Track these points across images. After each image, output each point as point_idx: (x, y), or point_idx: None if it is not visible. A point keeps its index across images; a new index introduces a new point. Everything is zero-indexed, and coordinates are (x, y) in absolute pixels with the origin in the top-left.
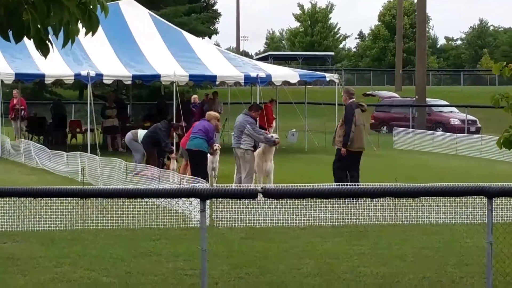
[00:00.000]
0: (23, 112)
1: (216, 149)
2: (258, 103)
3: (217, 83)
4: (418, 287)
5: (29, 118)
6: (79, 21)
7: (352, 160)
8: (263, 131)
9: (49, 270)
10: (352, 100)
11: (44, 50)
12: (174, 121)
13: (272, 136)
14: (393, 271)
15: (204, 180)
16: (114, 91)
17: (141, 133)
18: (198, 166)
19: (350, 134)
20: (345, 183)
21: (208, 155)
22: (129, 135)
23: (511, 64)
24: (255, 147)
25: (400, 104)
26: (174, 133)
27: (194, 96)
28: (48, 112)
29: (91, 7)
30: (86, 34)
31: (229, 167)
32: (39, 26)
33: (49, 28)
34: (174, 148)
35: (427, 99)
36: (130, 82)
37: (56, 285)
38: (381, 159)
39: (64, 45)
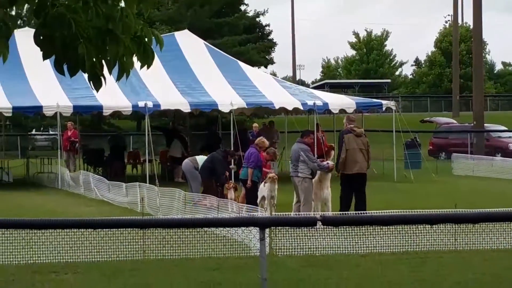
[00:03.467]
0: (77, 144)
1: (274, 177)
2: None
3: (275, 108)
4: None
5: (84, 150)
6: (134, 55)
7: (351, 185)
8: (316, 158)
9: None
10: (349, 126)
11: (96, 84)
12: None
13: (327, 163)
14: None
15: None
16: (172, 122)
17: (200, 159)
18: (249, 195)
19: (340, 158)
20: (347, 209)
21: (268, 183)
22: (188, 162)
23: None
24: (313, 175)
25: (458, 130)
26: (233, 162)
27: (255, 124)
28: (106, 144)
29: (146, 40)
30: (141, 67)
31: (288, 196)
32: (94, 59)
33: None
34: (232, 176)
35: (485, 124)
36: (188, 111)
37: None
38: (440, 185)
39: (119, 78)
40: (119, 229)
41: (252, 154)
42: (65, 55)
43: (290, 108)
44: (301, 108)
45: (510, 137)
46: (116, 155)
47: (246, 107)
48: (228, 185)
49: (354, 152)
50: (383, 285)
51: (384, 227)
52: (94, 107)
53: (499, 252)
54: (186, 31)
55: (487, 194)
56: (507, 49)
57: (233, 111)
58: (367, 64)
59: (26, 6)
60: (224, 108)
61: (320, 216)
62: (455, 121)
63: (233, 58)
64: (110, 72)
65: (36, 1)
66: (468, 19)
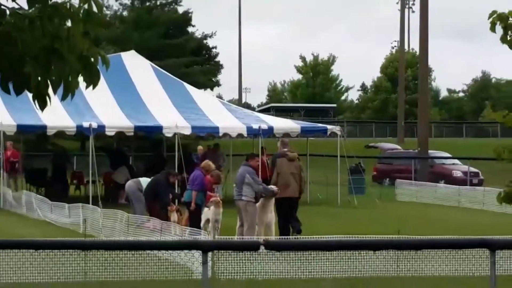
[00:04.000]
0: (16, 165)
1: (218, 201)
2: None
3: (220, 134)
4: None
5: (26, 170)
6: (80, 74)
7: (284, 209)
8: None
9: None
10: (282, 150)
11: (41, 103)
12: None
13: (271, 188)
14: None
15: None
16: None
17: (144, 181)
18: (192, 218)
19: (272, 182)
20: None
21: (212, 206)
22: (131, 184)
23: None
24: (256, 199)
25: (403, 156)
26: (176, 184)
27: (199, 147)
28: (49, 164)
29: (92, 60)
30: (87, 87)
31: (232, 219)
32: (39, 78)
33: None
34: (176, 199)
35: (429, 151)
36: (132, 134)
37: None
38: (384, 211)
39: (63, 98)
40: (60, 251)
41: (197, 177)
42: (11, 74)
43: (234, 134)
44: (246, 134)
45: (454, 164)
46: (59, 175)
47: (191, 131)
48: (171, 208)
49: (286, 176)
50: None
51: (327, 253)
52: (38, 127)
53: (441, 279)
54: (132, 51)
55: (430, 220)
56: (452, 76)
57: (178, 134)
58: (313, 88)
59: None
60: (169, 131)
61: (263, 240)
62: (399, 147)
63: (179, 80)
64: (55, 92)
65: None
66: (414, 45)
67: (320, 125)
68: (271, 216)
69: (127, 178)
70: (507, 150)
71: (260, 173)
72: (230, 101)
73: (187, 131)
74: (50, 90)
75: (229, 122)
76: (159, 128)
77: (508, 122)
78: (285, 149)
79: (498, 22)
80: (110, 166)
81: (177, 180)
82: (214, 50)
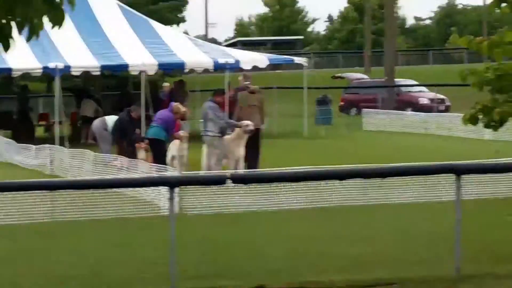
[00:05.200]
0: None
1: (182, 136)
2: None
3: (186, 70)
4: (388, 267)
5: None
6: (45, 15)
7: (248, 140)
8: (225, 116)
9: (17, 264)
10: (244, 83)
11: (5, 45)
12: (145, 111)
13: (236, 122)
14: (363, 252)
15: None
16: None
17: (110, 120)
18: (155, 155)
19: (235, 115)
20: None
21: (177, 142)
22: (97, 123)
23: (478, 38)
24: (223, 134)
25: (369, 86)
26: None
27: (166, 84)
28: (15, 106)
29: (57, 0)
30: (52, 27)
31: (198, 154)
32: (3, 20)
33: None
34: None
35: (396, 79)
36: (98, 73)
37: (26, 279)
38: (351, 140)
39: (28, 39)
40: (27, 192)
41: (161, 113)
42: None
43: (200, 69)
44: (212, 68)
45: (420, 91)
46: (24, 116)
47: (158, 68)
48: (139, 145)
49: (249, 109)
50: (291, 242)
51: (293, 184)
52: (3, 69)
53: (409, 206)
54: None
55: (398, 148)
56: (419, 4)
57: (144, 72)
58: (280, 21)
59: None
60: (135, 69)
61: (230, 174)
62: (366, 77)
63: (145, 17)
64: (20, 33)
65: None
66: None
67: (286, 57)
68: (242, 150)
69: (95, 109)
70: (471, 74)
71: (228, 108)
72: (197, 37)
73: (154, 68)
74: (15, 32)
75: (195, 57)
76: (125, 66)
77: (473, 46)
78: (247, 82)
79: None
80: (76, 106)
81: (138, 115)
82: None
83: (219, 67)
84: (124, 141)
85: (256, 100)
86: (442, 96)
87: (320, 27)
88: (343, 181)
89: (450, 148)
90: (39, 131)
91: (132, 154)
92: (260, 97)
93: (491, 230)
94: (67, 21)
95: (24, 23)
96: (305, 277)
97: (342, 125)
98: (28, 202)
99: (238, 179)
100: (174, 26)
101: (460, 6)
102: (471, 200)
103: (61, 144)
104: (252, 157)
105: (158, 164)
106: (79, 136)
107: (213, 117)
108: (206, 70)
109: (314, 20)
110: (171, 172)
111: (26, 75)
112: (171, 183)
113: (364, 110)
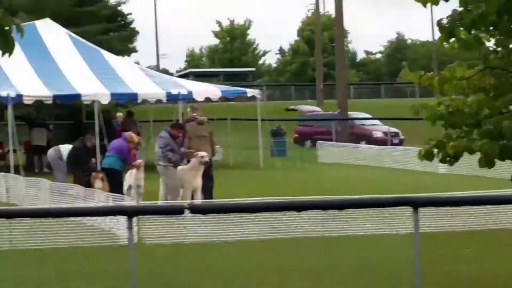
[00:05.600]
0: None
1: (140, 165)
2: (178, 121)
3: (139, 101)
4: None
5: None
6: None
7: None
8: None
9: None
10: (192, 115)
11: None
12: (98, 140)
13: (202, 157)
14: (323, 285)
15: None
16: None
17: (65, 149)
18: (112, 184)
19: (184, 147)
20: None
21: (134, 172)
22: (52, 152)
23: (429, 74)
24: (175, 164)
25: (323, 118)
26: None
27: (119, 114)
28: None
29: (6, 28)
30: (2, 55)
31: (155, 184)
32: None
33: None
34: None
35: (349, 112)
36: (50, 102)
37: None
38: (306, 172)
39: None
40: None
41: (115, 143)
42: None
43: (153, 100)
44: (165, 99)
45: (374, 124)
46: None
47: (110, 98)
48: (95, 175)
49: (197, 140)
50: (252, 272)
51: (252, 215)
52: None
53: (366, 238)
54: (47, 19)
55: (353, 181)
56: (369, 38)
57: (97, 102)
58: (230, 53)
59: None
60: (88, 99)
61: (188, 204)
62: (319, 109)
63: (96, 47)
64: None
65: None
66: (329, 8)
67: (239, 88)
68: (199, 181)
69: (46, 138)
70: (423, 108)
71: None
72: (148, 67)
73: (106, 98)
74: None
75: (148, 88)
76: (77, 96)
77: (424, 82)
78: (194, 114)
79: None
80: (28, 135)
81: (92, 144)
82: (129, 16)
83: (172, 98)
84: (80, 170)
85: (205, 131)
86: (395, 130)
87: (271, 59)
88: (302, 213)
89: (405, 181)
90: None
91: (88, 183)
92: (209, 128)
93: (450, 262)
94: (17, 50)
95: None
96: None
97: (297, 158)
98: None
99: (197, 209)
100: (126, 56)
101: (409, 41)
102: (428, 233)
103: (16, 172)
104: (206, 188)
105: (115, 193)
106: (33, 164)
107: (160, 147)
108: (159, 101)
109: (265, 53)
110: (128, 201)
111: None
112: (129, 213)
113: (319, 142)
